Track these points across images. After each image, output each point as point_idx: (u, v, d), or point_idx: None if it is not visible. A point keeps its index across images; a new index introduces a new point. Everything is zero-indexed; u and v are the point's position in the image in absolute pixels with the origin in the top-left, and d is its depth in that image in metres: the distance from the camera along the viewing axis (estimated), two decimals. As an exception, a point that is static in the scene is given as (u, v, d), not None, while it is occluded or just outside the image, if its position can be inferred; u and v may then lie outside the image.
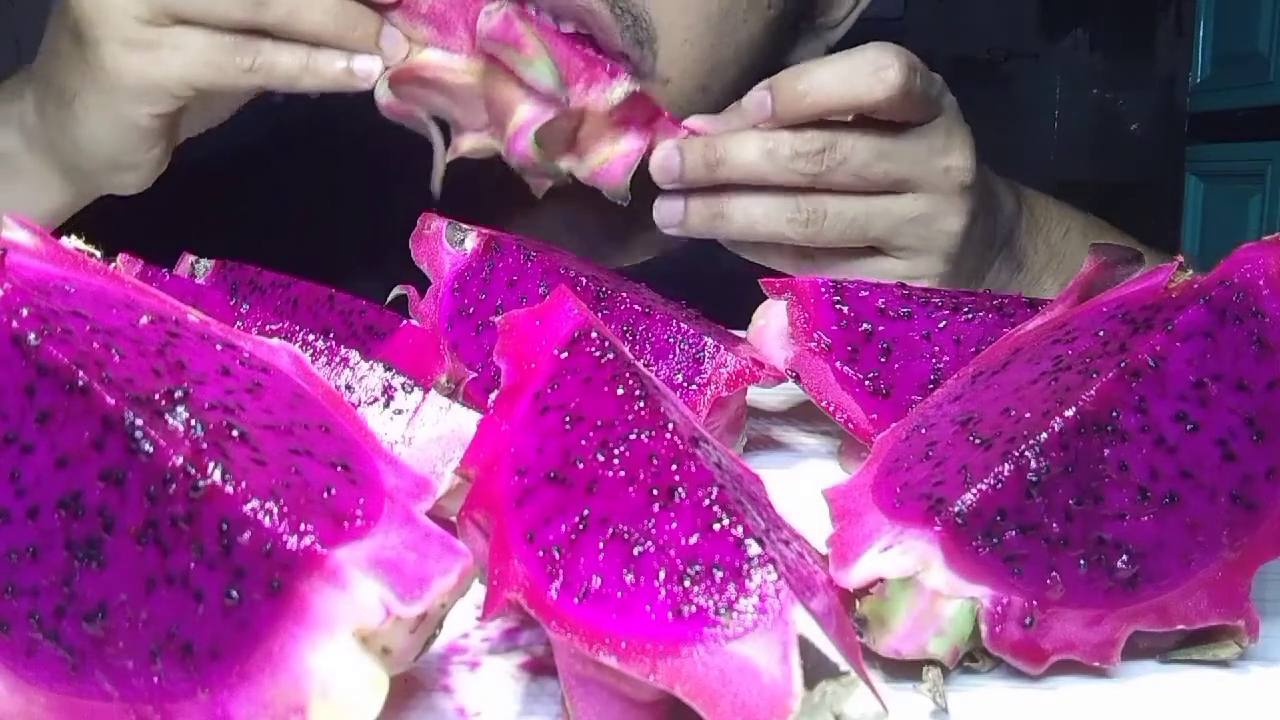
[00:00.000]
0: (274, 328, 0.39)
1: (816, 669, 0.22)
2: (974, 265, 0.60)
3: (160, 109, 0.53)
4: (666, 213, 0.56)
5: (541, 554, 0.25)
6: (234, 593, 0.22)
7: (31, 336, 0.24)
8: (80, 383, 0.24)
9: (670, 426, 0.27)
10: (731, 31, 0.61)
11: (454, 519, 0.28)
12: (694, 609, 0.23)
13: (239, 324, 0.40)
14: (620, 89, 0.51)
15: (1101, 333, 0.32)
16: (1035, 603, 0.27)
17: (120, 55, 0.50)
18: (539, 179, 0.55)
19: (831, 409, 0.41)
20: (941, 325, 0.41)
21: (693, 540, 0.24)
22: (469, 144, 0.55)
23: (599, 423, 0.27)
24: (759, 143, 0.53)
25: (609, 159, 0.53)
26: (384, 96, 0.52)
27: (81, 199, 0.59)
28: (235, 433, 0.24)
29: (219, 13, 0.50)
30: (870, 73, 0.51)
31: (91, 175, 0.57)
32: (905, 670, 0.28)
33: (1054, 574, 0.27)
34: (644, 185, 0.55)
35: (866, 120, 0.53)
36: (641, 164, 0.54)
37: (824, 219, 0.54)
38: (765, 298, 0.44)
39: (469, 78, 0.52)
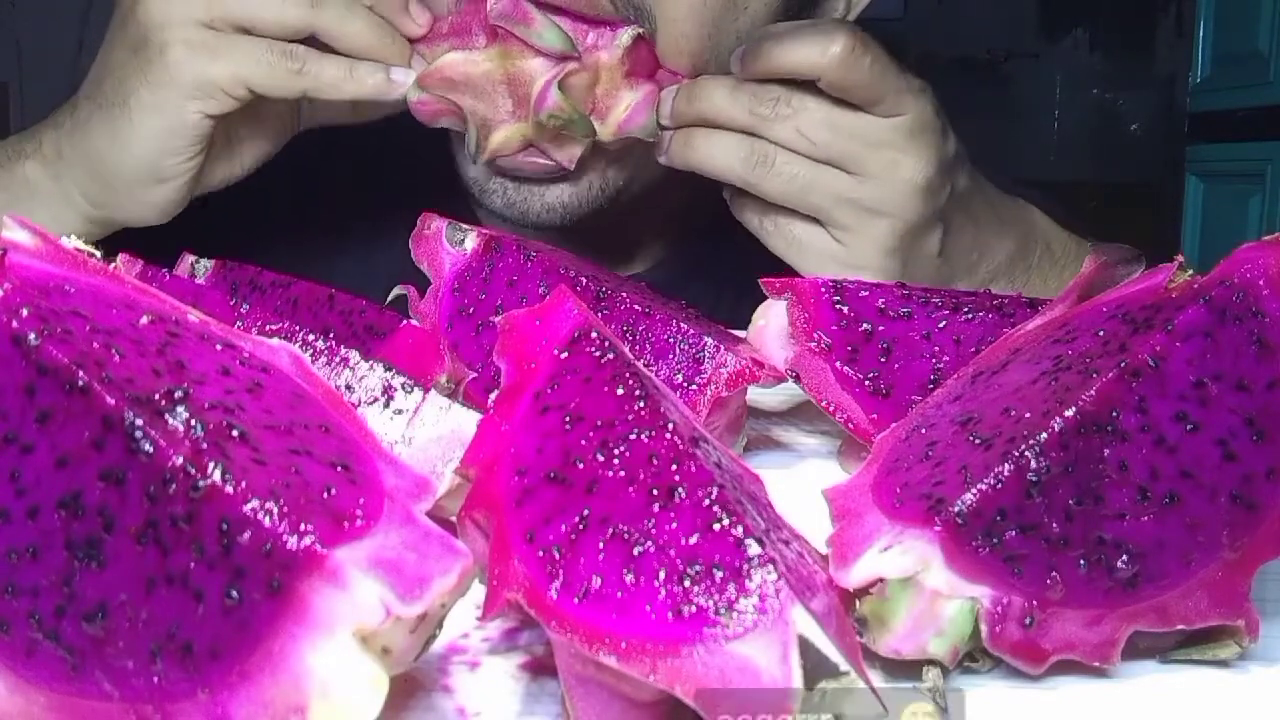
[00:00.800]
0: (274, 328, 0.39)
1: (816, 669, 0.22)
2: (944, 280, 0.61)
3: (212, 107, 0.56)
4: (658, 143, 0.61)
5: (541, 554, 0.25)
6: (234, 593, 0.22)
7: (31, 336, 0.24)
8: (80, 383, 0.24)
9: (670, 426, 0.27)
10: (731, 23, 0.62)
11: (454, 519, 0.28)
12: (694, 609, 0.23)
13: (239, 324, 0.40)
14: (626, 34, 0.56)
15: (1101, 333, 0.32)
16: (1035, 603, 0.27)
17: (183, 55, 0.55)
18: (568, 147, 0.59)
19: (831, 409, 0.41)
20: (941, 325, 0.41)
21: (693, 540, 0.24)
22: (499, 137, 0.58)
23: (599, 423, 0.27)
24: (727, 86, 0.58)
25: (630, 105, 0.58)
26: (415, 96, 0.57)
27: (98, 230, 0.61)
28: (235, 433, 0.24)
29: (274, 17, 0.55)
30: (818, 40, 0.55)
31: (121, 194, 0.59)
32: (905, 670, 0.28)
33: (1054, 574, 0.27)
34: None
35: (832, 96, 0.56)
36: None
37: (769, 166, 0.57)
38: (765, 298, 0.44)
39: (488, 64, 0.56)
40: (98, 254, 0.29)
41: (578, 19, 0.57)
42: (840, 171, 0.57)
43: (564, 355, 0.30)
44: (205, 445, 0.24)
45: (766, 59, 0.56)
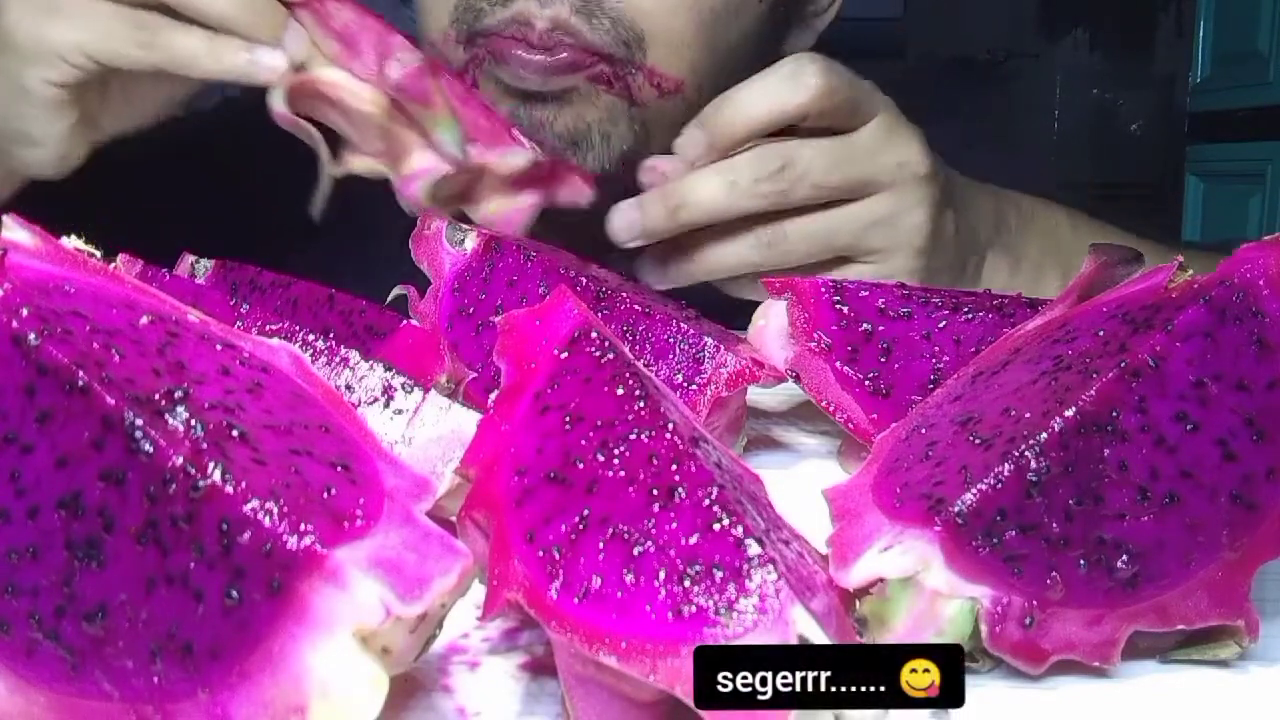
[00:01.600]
0: (274, 328, 0.39)
1: (816, 669, 0.22)
2: (951, 262, 0.60)
3: (56, 76, 0.51)
4: (642, 267, 0.57)
5: (541, 554, 0.25)
6: (234, 593, 0.22)
7: (31, 336, 0.24)
8: (80, 383, 0.24)
9: (670, 426, 0.27)
10: (725, 28, 0.62)
11: (454, 519, 0.28)
12: (694, 609, 0.23)
13: (239, 324, 0.40)
14: (521, 158, 0.52)
15: (1101, 333, 0.32)
16: (1035, 603, 0.27)
17: (22, 18, 0.50)
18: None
19: (831, 409, 0.41)
20: (941, 325, 0.41)
21: (693, 540, 0.24)
22: (361, 164, 0.53)
23: (599, 423, 0.27)
24: (718, 177, 0.54)
25: (504, 211, 0.54)
26: (279, 105, 0.50)
27: (6, 185, 0.58)
28: (235, 433, 0.24)
29: None
30: (790, 80, 0.53)
31: (4, 150, 0.55)
32: (905, 670, 0.28)
33: (1054, 574, 0.27)
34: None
35: (810, 133, 0.54)
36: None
37: (785, 238, 0.55)
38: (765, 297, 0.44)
39: (372, 109, 0.51)
40: (98, 254, 0.29)
41: (481, 106, 0.52)
42: (853, 202, 0.55)
43: (564, 355, 0.30)
44: (205, 445, 0.24)
45: (745, 121, 0.53)
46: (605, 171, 0.62)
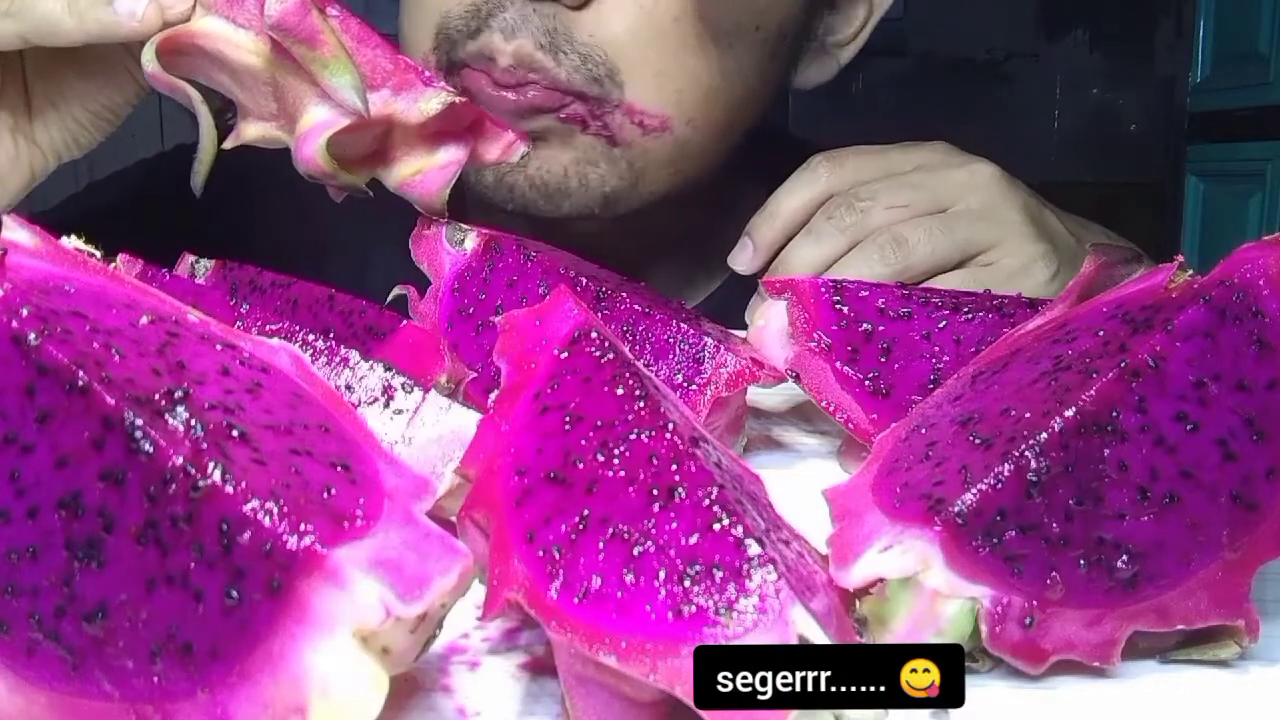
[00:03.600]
0: (274, 328, 0.39)
1: (816, 669, 0.22)
2: (1076, 252, 0.59)
3: None
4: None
5: (541, 554, 0.25)
6: (234, 593, 0.22)
7: (31, 336, 0.24)
8: (80, 383, 0.24)
9: (670, 426, 0.27)
10: (712, 58, 0.61)
11: (454, 519, 0.28)
12: (694, 609, 0.23)
13: (239, 324, 0.40)
14: (435, 100, 0.43)
15: (1101, 333, 0.32)
16: (1035, 603, 0.27)
17: None
18: (333, 187, 0.47)
19: (831, 409, 0.41)
20: (941, 325, 0.41)
21: (693, 540, 0.24)
22: (254, 131, 0.46)
23: (599, 423, 0.27)
24: (807, 242, 0.55)
25: (423, 170, 0.45)
26: (150, 64, 0.43)
27: None
28: (235, 433, 0.24)
29: None
30: (812, 173, 0.56)
31: None
32: (905, 670, 0.28)
33: (1054, 574, 0.27)
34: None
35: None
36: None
37: (904, 243, 0.55)
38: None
39: (255, 59, 0.43)
40: (98, 254, 0.29)
41: (383, 43, 0.44)
42: (942, 212, 0.56)
43: (564, 355, 0.30)
44: (205, 445, 0.23)
45: (784, 222, 0.55)
46: (589, 213, 0.62)
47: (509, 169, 0.60)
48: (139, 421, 0.23)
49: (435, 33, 0.60)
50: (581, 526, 0.25)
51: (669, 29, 0.59)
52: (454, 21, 0.59)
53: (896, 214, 0.55)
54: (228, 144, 0.46)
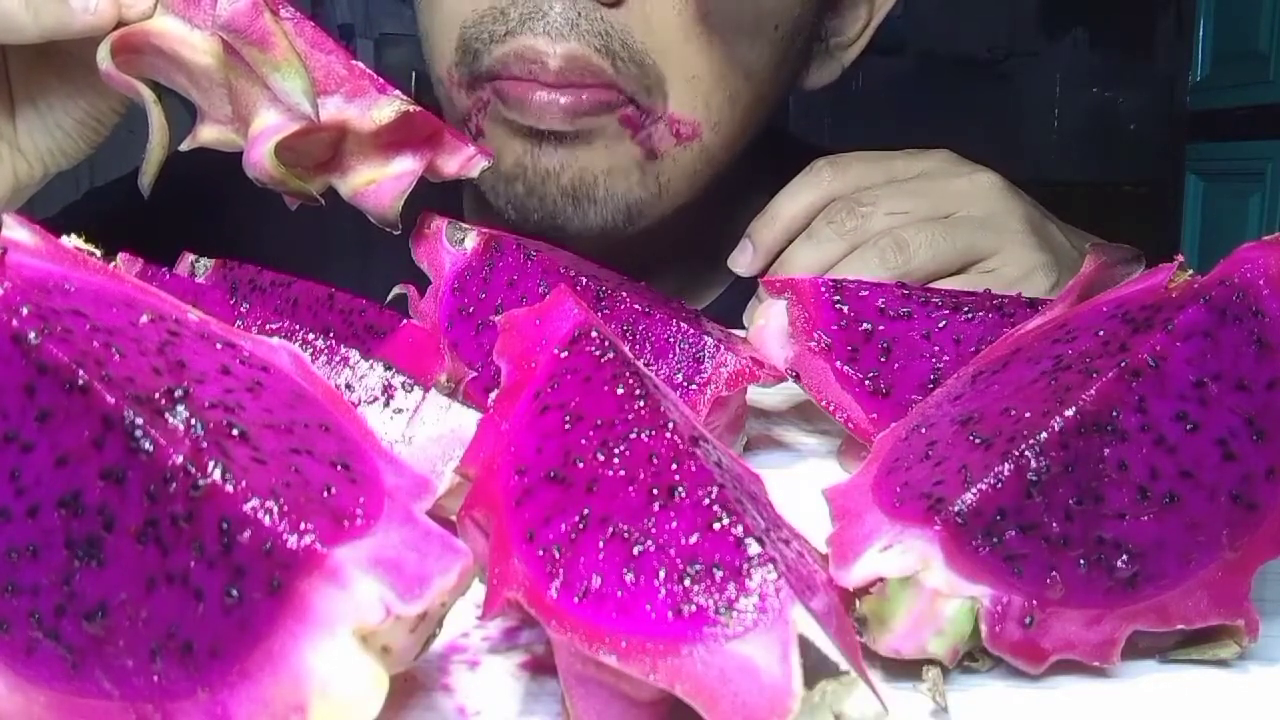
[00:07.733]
0: (274, 327, 0.39)
1: (816, 668, 0.22)
2: (1076, 260, 0.60)
3: None
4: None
5: (541, 553, 0.25)
6: (234, 592, 0.22)
7: (31, 335, 0.24)
8: (80, 382, 0.24)
9: (670, 426, 0.27)
10: (740, 60, 0.61)
11: (454, 518, 0.28)
12: (694, 608, 0.23)
13: (239, 323, 0.40)
14: (389, 108, 0.43)
15: (1101, 333, 0.32)
16: (1035, 602, 0.27)
17: None
18: (286, 194, 0.46)
19: (831, 409, 0.41)
20: (941, 325, 0.41)
21: (693, 539, 0.24)
22: (210, 134, 0.45)
23: (599, 422, 0.27)
24: (808, 243, 0.56)
25: (376, 180, 0.45)
26: (104, 62, 0.43)
27: None
28: (235, 432, 0.24)
29: None
30: (813, 177, 0.56)
31: None
32: (905, 670, 0.28)
33: (1054, 574, 0.27)
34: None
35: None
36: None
37: (905, 247, 0.56)
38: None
39: (208, 59, 0.43)
40: (98, 253, 0.29)
41: (337, 48, 0.43)
42: (944, 218, 0.57)
43: (564, 355, 0.30)
44: (205, 444, 0.23)
45: (784, 225, 0.56)
46: (612, 226, 0.62)
47: (541, 177, 0.60)
48: (139, 420, 0.23)
49: (457, 45, 0.60)
50: (581, 526, 0.25)
51: (700, 28, 0.59)
52: (475, 29, 0.59)
53: (898, 220, 0.56)
54: (184, 146, 0.46)
